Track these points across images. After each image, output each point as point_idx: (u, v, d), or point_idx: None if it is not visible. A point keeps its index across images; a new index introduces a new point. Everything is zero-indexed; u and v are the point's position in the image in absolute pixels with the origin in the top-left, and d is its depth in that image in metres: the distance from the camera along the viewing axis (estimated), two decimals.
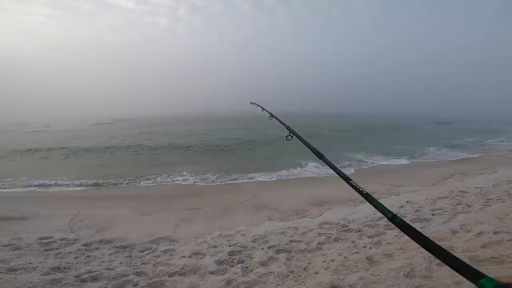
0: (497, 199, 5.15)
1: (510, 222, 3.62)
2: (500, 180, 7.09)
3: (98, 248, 4.04)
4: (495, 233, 3.24)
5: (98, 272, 3.17)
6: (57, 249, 4.03)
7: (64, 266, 3.35)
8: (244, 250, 3.73)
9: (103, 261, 3.59)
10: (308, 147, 1.78)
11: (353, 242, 3.72)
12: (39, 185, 8.96)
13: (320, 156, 1.63)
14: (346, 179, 1.26)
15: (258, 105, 3.80)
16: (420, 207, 5.10)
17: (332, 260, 3.16)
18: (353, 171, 10.47)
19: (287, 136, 2.16)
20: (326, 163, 1.52)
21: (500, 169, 9.32)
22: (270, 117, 3.09)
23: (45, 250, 3.99)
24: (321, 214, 5.35)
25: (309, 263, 3.24)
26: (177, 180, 9.41)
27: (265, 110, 3.43)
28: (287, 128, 2.24)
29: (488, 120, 64.34)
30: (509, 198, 5.15)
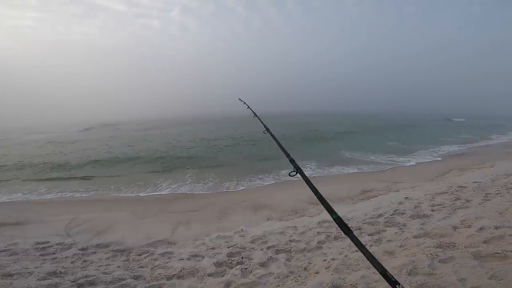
0: (496, 194, 5.13)
1: (511, 217, 3.60)
2: (498, 175, 7.09)
3: (95, 252, 3.98)
4: (497, 228, 3.21)
5: (95, 277, 3.11)
6: (54, 254, 3.97)
7: (61, 271, 3.30)
8: (243, 251, 3.68)
9: (100, 265, 3.53)
10: (282, 150, 1.89)
11: None
12: (36, 192, 8.87)
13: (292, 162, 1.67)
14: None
15: (244, 102, 4.06)
16: (419, 203, 5.07)
17: (333, 259, 3.13)
18: (356, 170, 10.41)
19: (264, 130, 2.62)
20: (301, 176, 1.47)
21: (497, 164, 9.34)
22: (254, 116, 3.37)
23: (42, 255, 3.93)
24: (320, 213, 5.31)
25: (309, 263, 3.20)
26: (175, 186, 9.30)
27: (250, 108, 3.64)
28: (266, 128, 2.61)
29: (487, 116, 65.02)
30: (508, 192, 5.13)
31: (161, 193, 8.32)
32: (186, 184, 9.18)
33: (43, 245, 4.25)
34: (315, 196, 1.27)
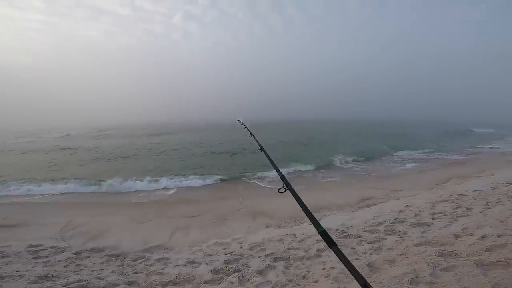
0: (497, 202, 5.08)
1: None
2: (498, 183, 7.05)
3: (89, 257, 3.91)
4: (499, 236, 3.15)
5: (87, 281, 3.03)
6: (46, 257, 3.90)
7: (53, 275, 3.22)
8: (241, 259, 3.61)
9: (93, 270, 3.45)
10: (274, 167, 1.97)
11: (353, 248, 3.61)
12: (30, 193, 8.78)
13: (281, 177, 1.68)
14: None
15: (242, 123, 4.32)
16: (419, 211, 5.02)
17: (332, 267, 3.05)
18: (356, 178, 10.35)
19: (258, 149, 2.74)
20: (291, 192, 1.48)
21: (497, 172, 9.31)
22: (250, 136, 3.49)
23: (34, 258, 3.86)
24: (319, 220, 5.21)
25: (308, 271, 3.13)
26: (174, 191, 9.25)
27: (247, 128, 3.88)
28: (260, 146, 2.70)
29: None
30: (509, 200, 5.08)
31: (159, 197, 8.25)
32: (184, 189, 9.12)
33: (36, 248, 4.17)
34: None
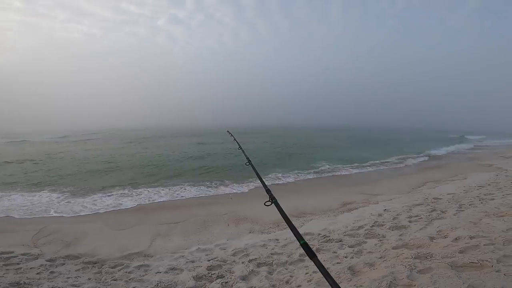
0: (469, 204, 5.33)
1: (485, 227, 3.73)
2: (470, 186, 7.41)
3: (63, 264, 3.75)
4: (471, 238, 3.31)
5: None
6: (18, 264, 3.72)
7: (25, 282, 3.08)
8: (224, 265, 3.58)
9: (68, 277, 3.31)
10: (261, 181, 1.98)
11: (335, 252, 3.67)
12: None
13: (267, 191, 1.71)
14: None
15: (231, 134, 4.46)
16: (397, 214, 5.18)
17: (315, 272, 3.08)
18: (338, 183, 10.53)
19: (246, 162, 2.71)
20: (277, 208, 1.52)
21: (469, 176, 9.78)
22: (239, 148, 3.52)
23: (5, 265, 3.68)
24: (302, 225, 5.28)
25: (291, 276, 3.14)
26: (156, 197, 9.06)
27: (236, 141, 3.96)
28: (248, 160, 2.70)
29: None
30: (481, 203, 5.35)
31: (139, 203, 8.02)
32: (167, 194, 8.92)
33: (7, 255, 3.98)
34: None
